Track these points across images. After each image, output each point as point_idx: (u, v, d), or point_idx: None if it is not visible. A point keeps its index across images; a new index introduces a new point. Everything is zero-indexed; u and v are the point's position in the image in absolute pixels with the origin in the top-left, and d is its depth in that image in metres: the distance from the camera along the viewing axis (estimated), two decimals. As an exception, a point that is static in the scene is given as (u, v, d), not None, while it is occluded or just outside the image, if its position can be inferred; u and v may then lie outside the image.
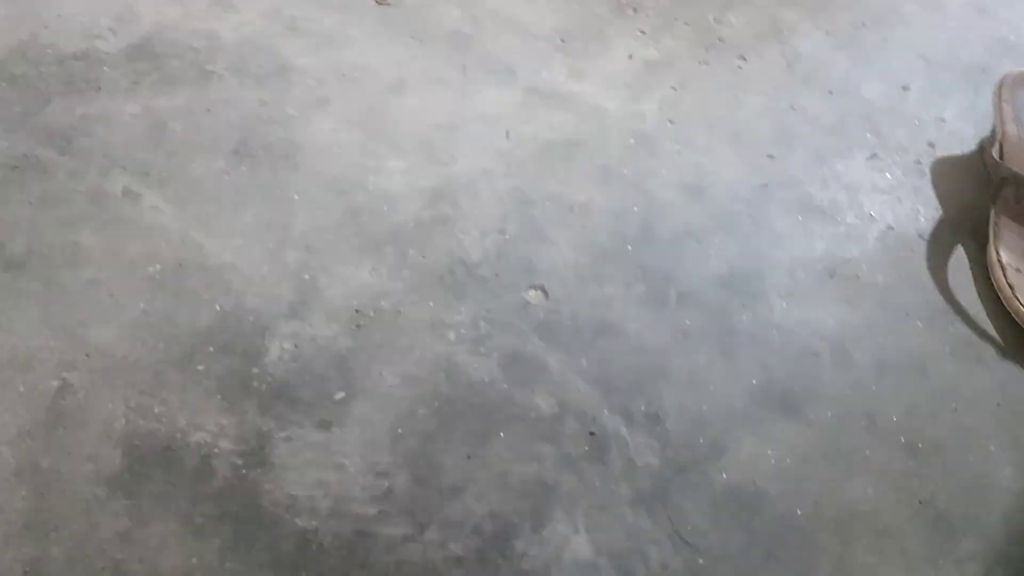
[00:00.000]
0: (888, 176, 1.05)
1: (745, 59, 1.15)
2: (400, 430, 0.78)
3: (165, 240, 0.87)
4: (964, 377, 0.89)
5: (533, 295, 0.89)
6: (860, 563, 0.77)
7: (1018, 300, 0.92)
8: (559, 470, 0.78)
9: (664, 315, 0.89)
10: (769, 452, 0.82)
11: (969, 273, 0.97)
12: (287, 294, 0.85)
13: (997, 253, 0.96)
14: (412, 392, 0.81)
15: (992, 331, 0.93)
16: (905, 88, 1.15)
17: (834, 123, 1.09)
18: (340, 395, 0.80)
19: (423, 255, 0.90)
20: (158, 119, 0.96)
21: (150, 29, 1.04)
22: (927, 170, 1.06)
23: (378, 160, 0.96)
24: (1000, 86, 1.08)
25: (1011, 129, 1.04)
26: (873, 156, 1.07)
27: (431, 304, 0.86)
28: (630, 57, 1.12)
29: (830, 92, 1.13)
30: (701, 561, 0.75)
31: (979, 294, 0.96)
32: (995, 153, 1.03)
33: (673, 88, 1.10)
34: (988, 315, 0.94)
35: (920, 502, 0.81)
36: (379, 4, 1.12)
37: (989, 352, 0.91)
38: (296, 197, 0.92)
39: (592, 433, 0.80)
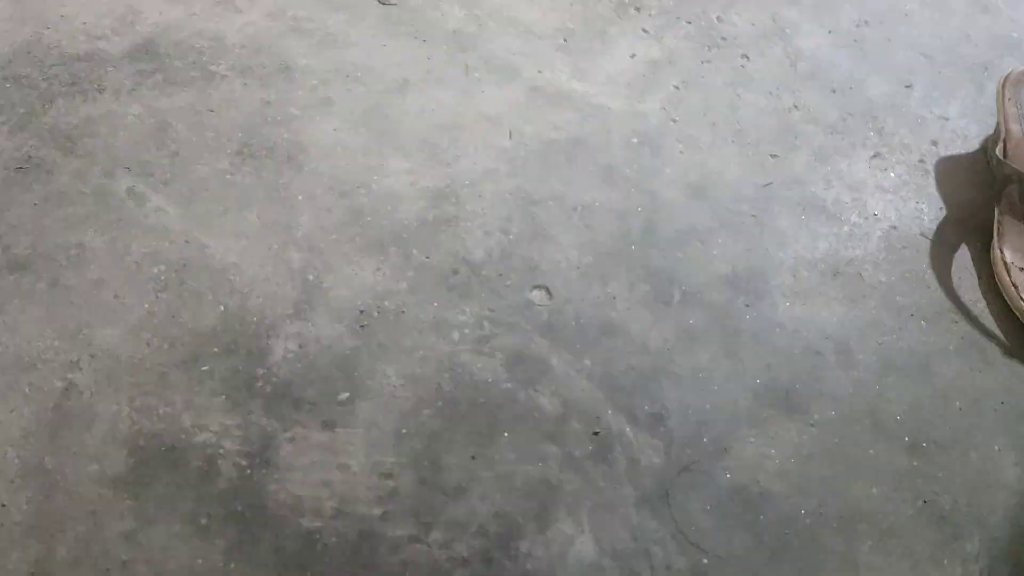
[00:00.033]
0: (891, 175, 1.05)
1: (748, 58, 1.14)
2: (404, 430, 0.79)
3: (169, 241, 0.87)
4: (968, 376, 0.89)
5: (537, 295, 0.89)
6: (865, 563, 0.77)
7: (1022, 299, 0.92)
8: (563, 470, 0.78)
9: (668, 315, 0.89)
10: (773, 452, 0.82)
11: (973, 272, 0.97)
12: (291, 294, 0.85)
13: (1001, 252, 0.96)
14: (416, 392, 0.81)
15: (996, 330, 0.93)
16: (908, 87, 1.15)
17: (837, 122, 1.09)
18: (344, 395, 0.80)
19: (427, 255, 0.90)
20: (162, 120, 0.96)
21: (153, 30, 1.04)
22: (930, 169, 1.06)
23: (381, 160, 0.96)
24: (1003, 84, 1.08)
25: (1015, 127, 1.04)
26: (876, 155, 1.07)
27: (435, 304, 0.86)
28: (633, 56, 1.12)
29: (833, 91, 1.12)
30: (706, 561, 0.75)
31: (983, 293, 0.95)
32: (999, 152, 1.02)
33: (676, 87, 1.10)
34: (992, 314, 0.94)
35: (924, 502, 0.81)
36: (382, 3, 1.12)
37: (993, 351, 0.91)
38: (300, 197, 0.92)
39: (596, 433, 0.81)
